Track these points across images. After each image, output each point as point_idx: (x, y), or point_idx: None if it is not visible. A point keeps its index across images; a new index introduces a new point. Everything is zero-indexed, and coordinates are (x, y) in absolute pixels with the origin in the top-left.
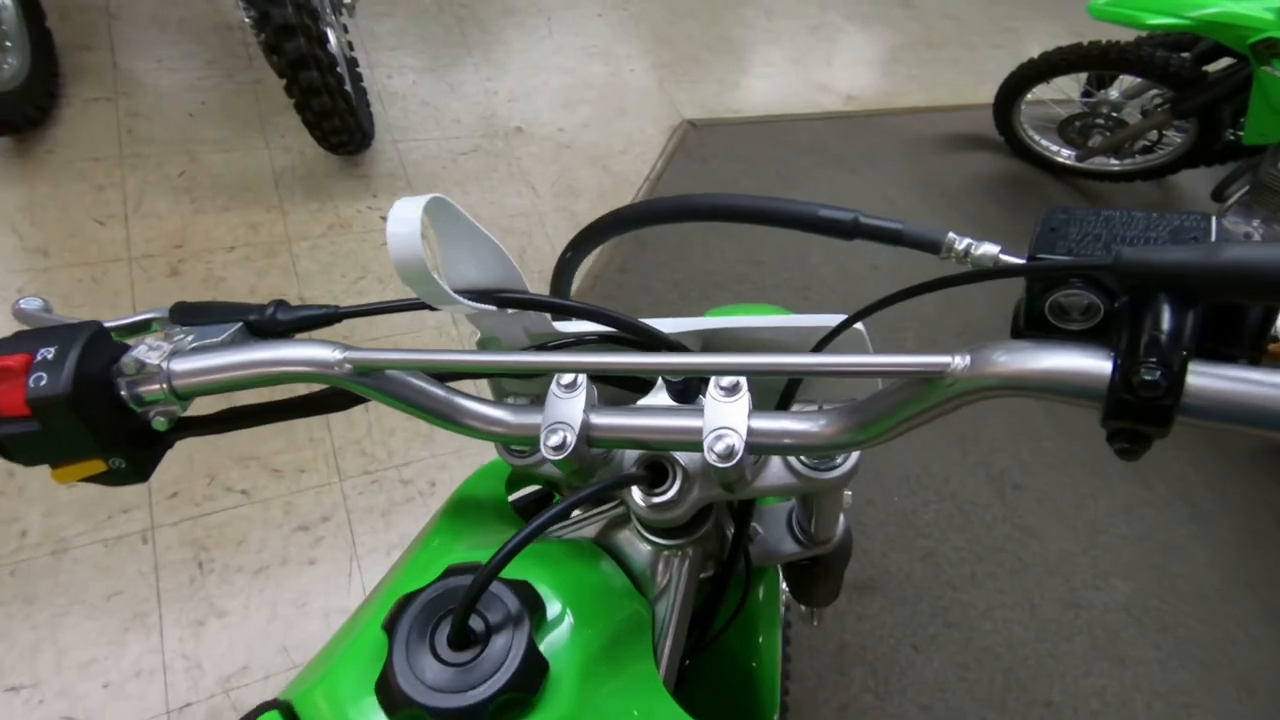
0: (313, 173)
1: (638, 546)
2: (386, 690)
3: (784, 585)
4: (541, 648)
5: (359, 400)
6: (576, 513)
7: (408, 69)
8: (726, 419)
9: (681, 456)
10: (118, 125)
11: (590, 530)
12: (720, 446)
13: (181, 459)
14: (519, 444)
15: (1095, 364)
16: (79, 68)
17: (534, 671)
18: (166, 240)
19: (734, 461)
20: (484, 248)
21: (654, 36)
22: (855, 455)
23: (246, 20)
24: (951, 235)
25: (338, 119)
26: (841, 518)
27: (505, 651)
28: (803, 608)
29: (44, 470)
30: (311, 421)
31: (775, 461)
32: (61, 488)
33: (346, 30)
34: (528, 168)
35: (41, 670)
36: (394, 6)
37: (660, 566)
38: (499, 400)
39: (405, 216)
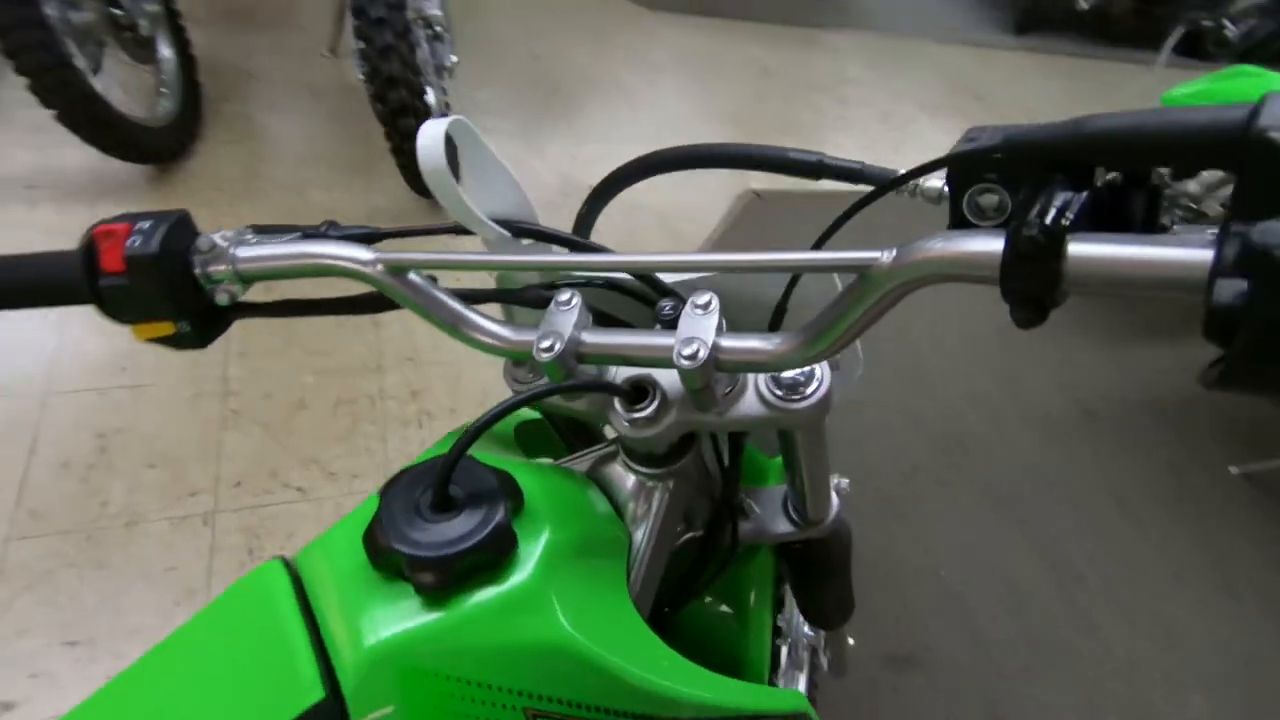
0: (403, 212)
1: (623, 477)
2: (372, 540)
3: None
4: (516, 530)
5: (391, 305)
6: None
7: (498, 131)
8: (696, 330)
9: (663, 380)
10: (243, 164)
11: (581, 465)
12: (688, 350)
13: (250, 455)
14: (517, 357)
15: (992, 243)
16: (218, 114)
17: (502, 542)
18: None
19: (698, 363)
20: (503, 180)
21: (728, 116)
22: (822, 389)
23: (361, 77)
24: (904, 171)
25: None
26: (835, 501)
27: (478, 521)
28: (825, 660)
29: (132, 449)
30: (369, 433)
31: (749, 395)
32: (143, 466)
33: (445, 92)
34: (598, 223)
35: (99, 630)
36: (492, 77)
37: (641, 496)
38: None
39: (432, 133)
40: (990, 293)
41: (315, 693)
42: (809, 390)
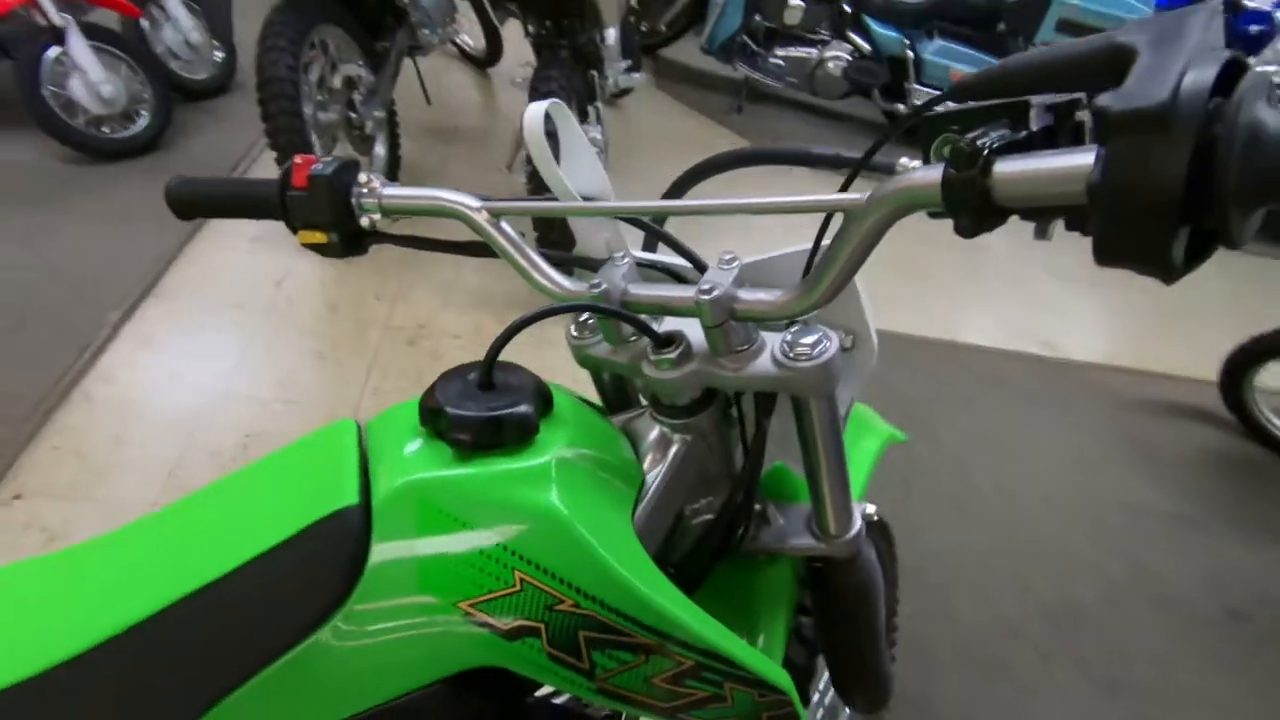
0: (531, 295)
1: (648, 428)
2: (424, 403)
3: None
4: (540, 425)
5: (488, 252)
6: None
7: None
8: (717, 278)
9: (690, 335)
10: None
11: (616, 422)
12: (705, 287)
13: None
14: (573, 301)
15: (935, 172)
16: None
17: (525, 423)
18: (415, 320)
19: (711, 297)
20: (591, 163)
21: None
22: (828, 354)
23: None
24: (904, 160)
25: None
26: (858, 521)
27: (510, 403)
28: None
29: (268, 449)
30: None
31: (764, 357)
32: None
33: None
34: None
35: None
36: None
37: (660, 444)
38: None
39: (535, 113)
40: (1120, 455)
41: (350, 499)
42: (816, 352)
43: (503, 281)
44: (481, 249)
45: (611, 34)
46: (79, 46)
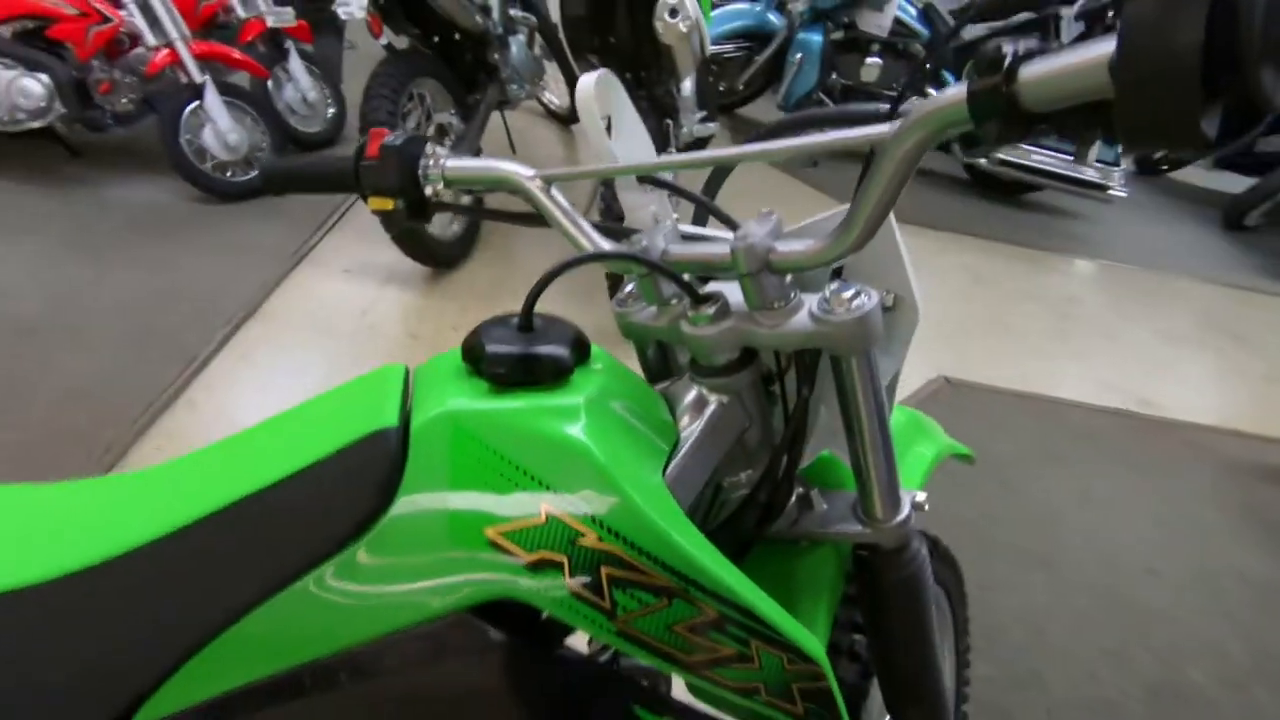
0: (610, 330)
1: (686, 390)
2: (467, 342)
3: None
4: (575, 369)
5: (541, 222)
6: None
7: None
8: (754, 230)
9: (729, 295)
10: (493, 280)
11: (655, 388)
12: (742, 234)
13: None
14: (624, 270)
15: (961, 89)
16: (488, 243)
17: (559, 364)
18: None
19: (745, 243)
20: (640, 136)
21: (933, 316)
22: (865, 308)
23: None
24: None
25: None
26: (907, 507)
27: (548, 344)
28: None
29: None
30: None
31: (801, 314)
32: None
33: None
34: None
35: None
36: None
37: (697, 404)
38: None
39: (586, 85)
40: (1239, 524)
41: (390, 422)
42: (854, 306)
43: (587, 314)
44: (534, 219)
45: (687, 85)
46: (214, 101)
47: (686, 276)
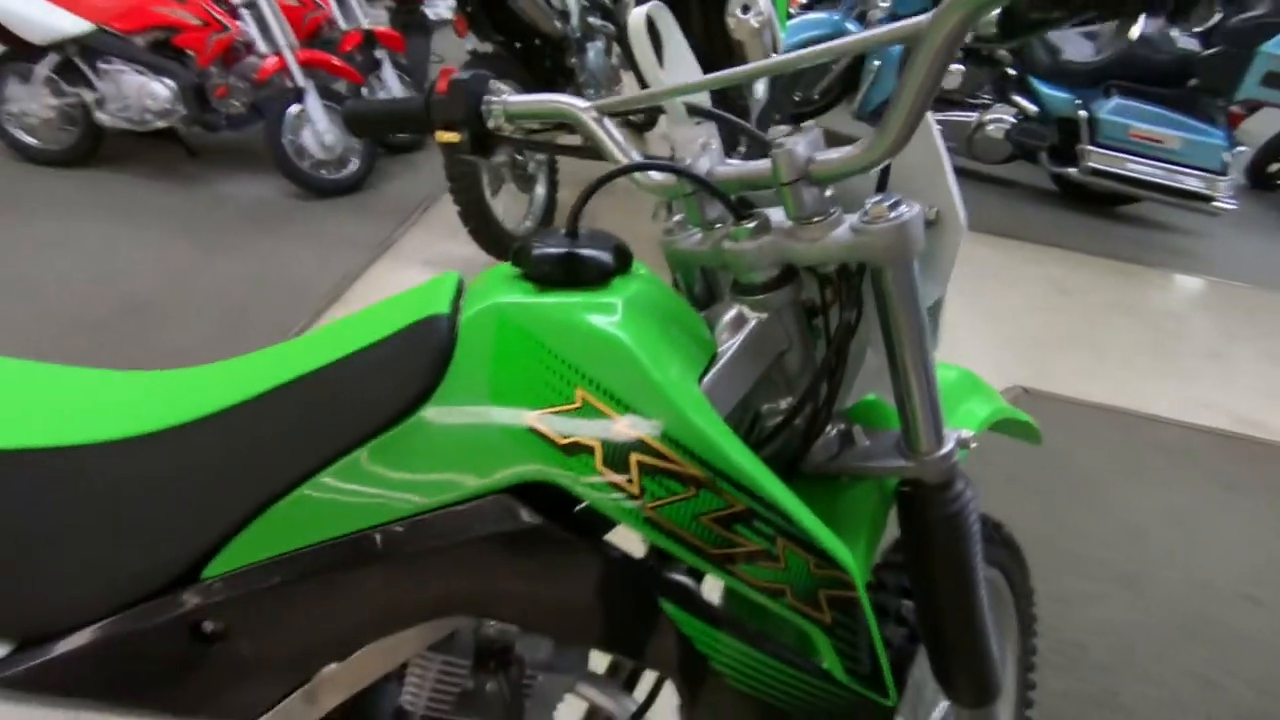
0: None
1: (726, 309)
2: (518, 249)
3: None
4: (616, 274)
5: (596, 155)
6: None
7: None
8: (795, 141)
9: (771, 213)
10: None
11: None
12: (781, 141)
13: None
14: (670, 195)
15: None
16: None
17: (601, 266)
18: None
19: (785, 150)
20: (690, 64)
21: (1006, 316)
22: (905, 217)
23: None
24: None
25: None
26: (950, 442)
27: (589, 249)
28: None
29: None
30: None
31: (842, 229)
32: None
33: None
34: None
35: None
36: None
37: (736, 321)
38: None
39: (638, 14)
40: None
41: (442, 309)
42: (893, 215)
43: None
44: (588, 152)
45: (760, 87)
46: (314, 104)
47: (732, 198)
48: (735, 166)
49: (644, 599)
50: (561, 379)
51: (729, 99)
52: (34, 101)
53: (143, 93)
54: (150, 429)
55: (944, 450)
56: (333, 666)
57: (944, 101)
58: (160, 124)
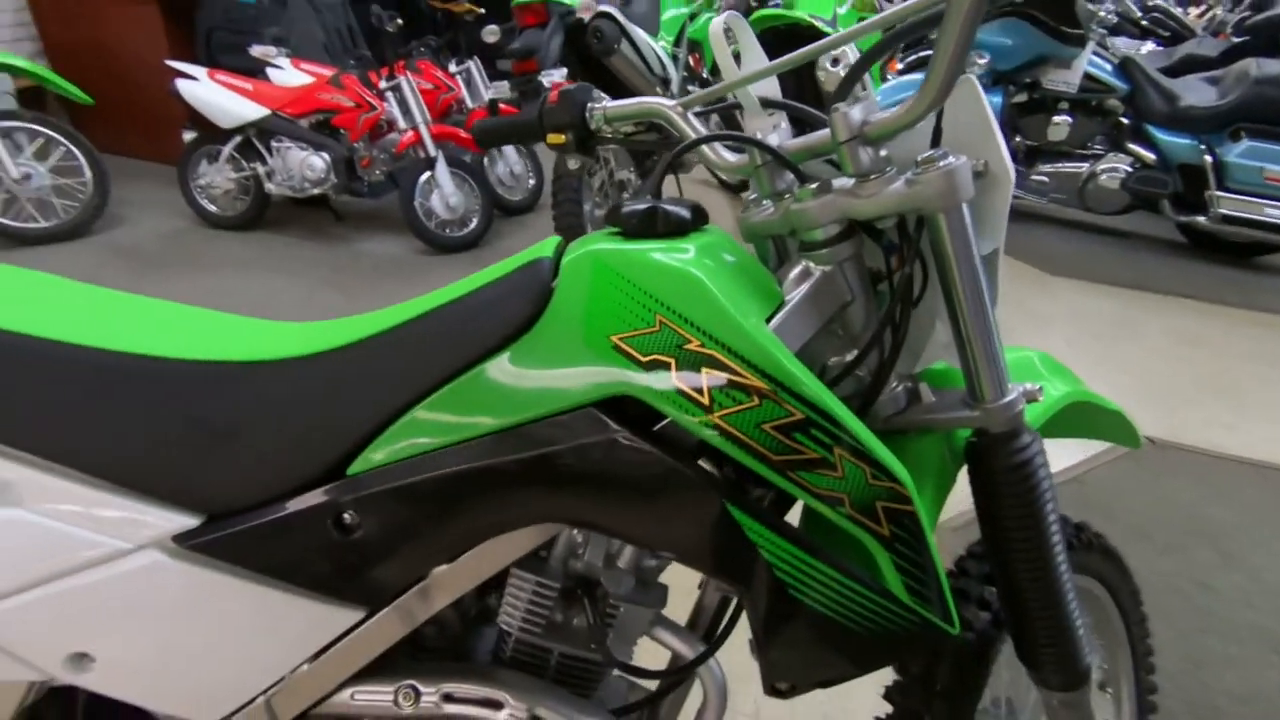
0: None
1: (794, 266)
2: (611, 209)
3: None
4: (693, 228)
5: (677, 142)
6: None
7: None
8: (852, 104)
9: (834, 181)
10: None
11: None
12: (837, 105)
13: None
14: (744, 171)
15: None
16: None
17: (677, 221)
18: None
19: (842, 113)
20: (760, 63)
21: (1134, 366)
22: (953, 164)
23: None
24: None
25: None
26: (1015, 391)
27: (669, 205)
28: None
29: None
30: None
31: (898, 183)
32: None
33: None
34: None
35: None
36: None
37: (801, 274)
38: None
39: (717, 24)
40: None
41: (546, 254)
42: (942, 165)
43: None
44: (674, 144)
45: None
46: (443, 172)
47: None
48: (800, 139)
49: (716, 508)
50: (644, 308)
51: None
52: (219, 176)
53: (304, 166)
54: (309, 352)
55: (1008, 398)
56: (444, 567)
57: (1054, 154)
58: (315, 191)
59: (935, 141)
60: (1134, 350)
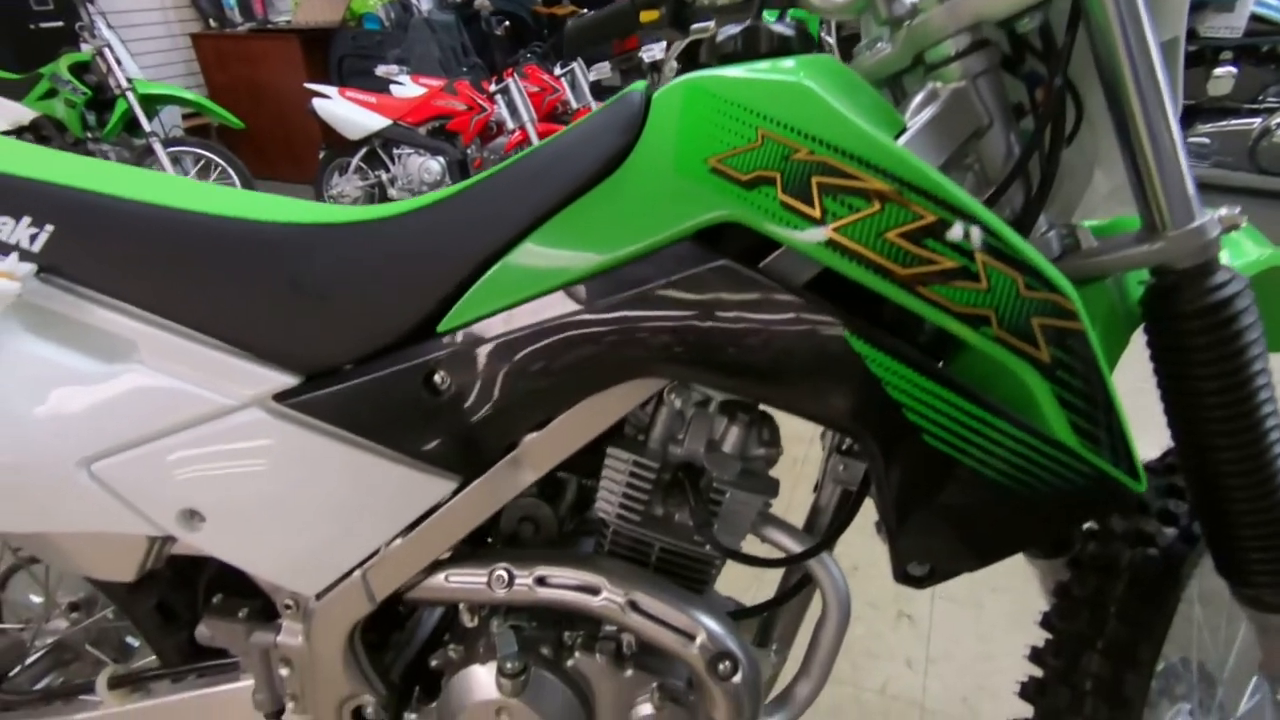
0: None
1: (918, 90)
2: (710, 37)
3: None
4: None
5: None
6: None
7: None
8: None
9: None
10: None
11: None
12: None
13: None
14: (854, 10)
15: None
16: None
17: (781, 39)
18: None
19: None
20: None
21: None
22: None
23: None
24: None
25: None
26: (1205, 215)
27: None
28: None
29: None
30: None
31: None
32: None
33: None
34: None
35: None
36: None
37: (927, 94)
38: None
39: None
40: None
41: (637, 89)
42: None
43: None
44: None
45: None
46: None
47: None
48: None
49: (833, 339)
50: (743, 123)
51: None
52: (348, 185)
53: (422, 169)
54: (398, 212)
55: (1198, 222)
56: (535, 435)
57: (1217, 111)
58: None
59: None
60: None
